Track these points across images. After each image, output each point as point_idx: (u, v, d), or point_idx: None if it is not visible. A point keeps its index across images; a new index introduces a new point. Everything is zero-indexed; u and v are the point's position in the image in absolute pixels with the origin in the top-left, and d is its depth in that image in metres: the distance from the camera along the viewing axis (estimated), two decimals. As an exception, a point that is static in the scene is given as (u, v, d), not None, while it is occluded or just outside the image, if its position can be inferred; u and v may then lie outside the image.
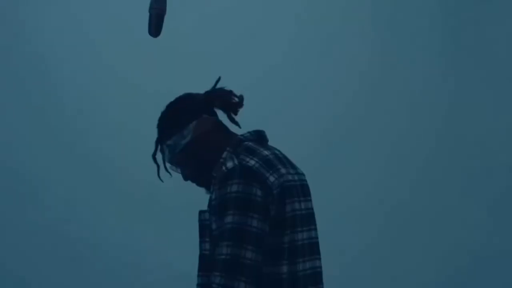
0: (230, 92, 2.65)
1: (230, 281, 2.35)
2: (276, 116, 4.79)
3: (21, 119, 4.92)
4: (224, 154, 2.54)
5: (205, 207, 2.60)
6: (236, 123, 2.66)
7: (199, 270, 2.53)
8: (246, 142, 2.56)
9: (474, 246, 4.77)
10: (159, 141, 2.63)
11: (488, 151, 4.84)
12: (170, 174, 2.65)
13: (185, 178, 2.65)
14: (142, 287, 4.83)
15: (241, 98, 2.65)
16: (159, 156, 2.64)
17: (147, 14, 2.87)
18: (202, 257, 2.53)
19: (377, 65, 4.87)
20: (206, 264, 2.49)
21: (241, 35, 4.90)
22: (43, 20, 4.95)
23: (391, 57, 4.90)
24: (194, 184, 2.64)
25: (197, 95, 2.66)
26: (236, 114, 2.65)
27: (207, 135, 2.59)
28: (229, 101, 2.64)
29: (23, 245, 4.90)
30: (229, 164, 2.46)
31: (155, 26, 2.86)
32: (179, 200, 4.68)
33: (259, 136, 2.64)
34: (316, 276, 2.58)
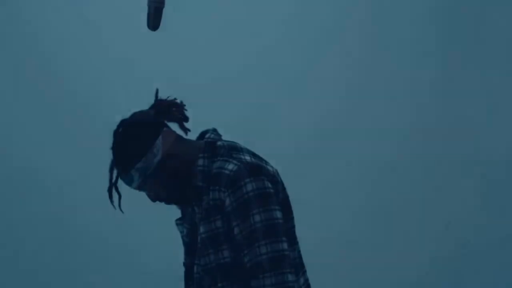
0: (176, 100, 2.57)
1: (281, 277, 2.36)
2: (266, 111, 4.79)
3: (27, 113, 4.95)
4: (200, 161, 2.48)
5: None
6: (187, 130, 2.59)
7: (222, 280, 2.46)
8: (220, 143, 2.53)
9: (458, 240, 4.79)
10: (125, 169, 2.48)
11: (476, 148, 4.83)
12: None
13: (155, 198, 2.56)
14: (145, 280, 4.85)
15: (183, 104, 2.58)
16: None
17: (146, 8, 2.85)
18: (220, 266, 2.46)
19: (370, 59, 4.86)
20: (228, 272, 2.45)
21: (235, 28, 4.88)
22: (48, 14, 4.96)
23: (382, 52, 4.90)
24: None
25: (147, 111, 2.55)
26: (187, 122, 2.58)
27: (175, 147, 2.50)
28: (181, 111, 2.57)
29: (25, 234, 4.94)
30: (231, 166, 2.43)
31: (154, 20, 2.84)
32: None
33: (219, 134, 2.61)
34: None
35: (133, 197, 4.75)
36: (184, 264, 2.62)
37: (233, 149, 2.50)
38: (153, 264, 4.80)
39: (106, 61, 4.91)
